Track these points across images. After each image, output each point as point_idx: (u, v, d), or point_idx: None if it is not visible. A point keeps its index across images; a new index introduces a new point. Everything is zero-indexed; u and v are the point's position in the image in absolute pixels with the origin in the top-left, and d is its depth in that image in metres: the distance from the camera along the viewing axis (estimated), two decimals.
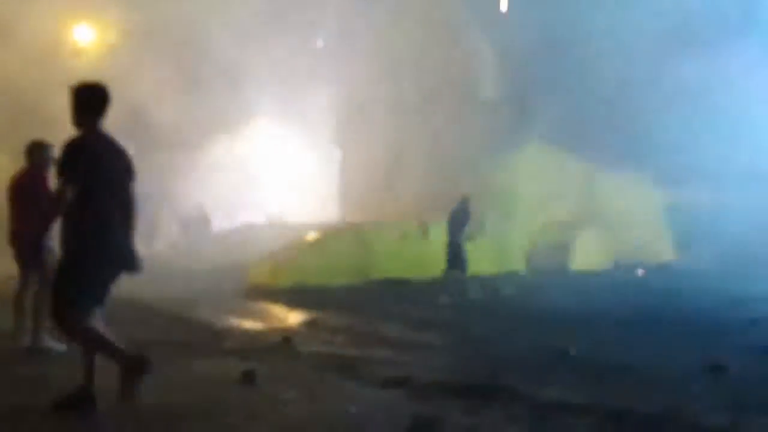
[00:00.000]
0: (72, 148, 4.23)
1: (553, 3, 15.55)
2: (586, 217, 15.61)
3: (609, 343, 7.04)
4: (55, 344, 5.89)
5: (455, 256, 11.29)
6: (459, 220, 11.41)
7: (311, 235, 13.30)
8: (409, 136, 17.13)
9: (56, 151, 6.18)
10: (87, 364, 4.23)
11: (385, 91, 17.51)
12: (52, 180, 6.14)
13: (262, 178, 20.87)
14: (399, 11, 17.31)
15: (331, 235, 13.24)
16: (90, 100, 4.37)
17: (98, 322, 4.23)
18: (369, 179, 17.24)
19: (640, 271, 14.78)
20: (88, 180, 4.18)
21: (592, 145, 15.36)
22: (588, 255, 15.06)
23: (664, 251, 16.17)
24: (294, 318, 9.10)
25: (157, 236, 19.80)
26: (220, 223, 20.29)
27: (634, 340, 7.25)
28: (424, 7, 17.16)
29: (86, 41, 19.17)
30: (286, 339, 7.12)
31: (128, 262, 4.32)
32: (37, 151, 6.17)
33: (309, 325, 8.47)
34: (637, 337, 7.48)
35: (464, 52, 17.09)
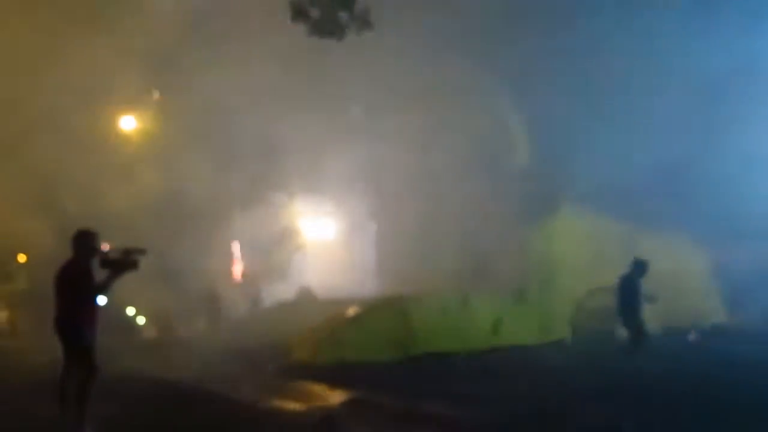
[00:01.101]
0: None
1: (583, 67, 15.71)
2: None
3: (665, 421, 6.69)
4: None
5: (631, 327, 10.15)
6: (632, 286, 10.24)
7: (350, 311, 13.21)
8: (443, 206, 17.15)
9: (100, 241, 6.39)
10: None
11: (417, 161, 17.69)
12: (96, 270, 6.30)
13: (297, 252, 21.02)
14: (427, 81, 17.66)
15: (370, 309, 13.11)
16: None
17: None
18: (404, 251, 17.19)
19: (691, 336, 14.21)
20: None
21: (631, 206, 15.12)
22: None
23: (715, 313, 15.56)
24: (335, 397, 8.93)
25: (197, 315, 19.93)
26: (253, 300, 20.38)
27: (691, 415, 6.89)
28: (453, 75, 17.49)
29: (130, 129, 20.09)
30: (328, 420, 7.00)
31: None
32: (82, 240, 6.33)
33: (350, 404, 8.30)
34: (695, 410, 7.10)
35: (494, 118, 17.25)
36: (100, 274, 6.39)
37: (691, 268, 15.74)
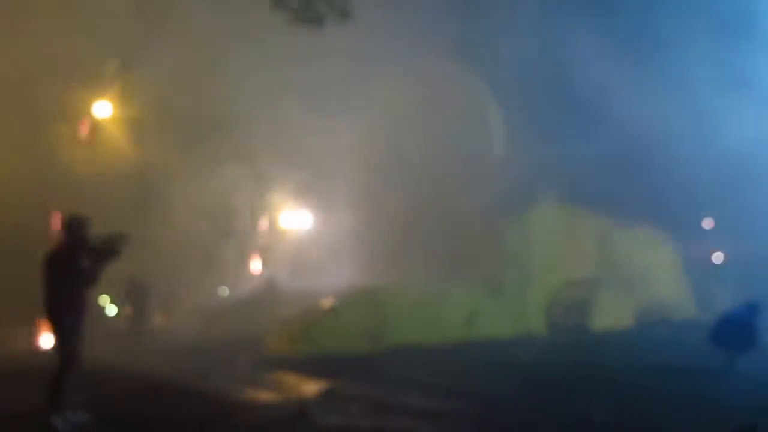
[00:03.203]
0: None
1: (564, 61, 15.80)
2: (606, 275, 15.38)
3: (633, 407, 6.81)
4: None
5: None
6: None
7: (326, 302, 13.18)
8: (419, 197, 17.17)
9: (90, 226, 6.14)
10: None
11: (395, 152, 17.67)
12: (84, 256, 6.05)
13: (275, 243, 20.90)
14: (405, 71, 17.60)
15: (346, 301, 13.10)
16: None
17: None
18: (380, 242, 17.19)
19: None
20: None
21: (607, 201, 15.29)
22: (609, 313, 14.76)
23: (687, 307, 15.84)
24: (310, 388, 8.90)
25: (174, 307, 19.60)
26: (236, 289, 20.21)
27: (659, 402, 7.01)
28: (430, 66, 17.46)
29: (105, 115, 19.71)
30: (302, 411, 6.96)
31: None
32: (74, 226, 6.11)
33: (325, 395, 8.28)
34: (662, 398, 7.23)
35: (472, 111, 17.28)
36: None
37: (663, 263, 15.99)
